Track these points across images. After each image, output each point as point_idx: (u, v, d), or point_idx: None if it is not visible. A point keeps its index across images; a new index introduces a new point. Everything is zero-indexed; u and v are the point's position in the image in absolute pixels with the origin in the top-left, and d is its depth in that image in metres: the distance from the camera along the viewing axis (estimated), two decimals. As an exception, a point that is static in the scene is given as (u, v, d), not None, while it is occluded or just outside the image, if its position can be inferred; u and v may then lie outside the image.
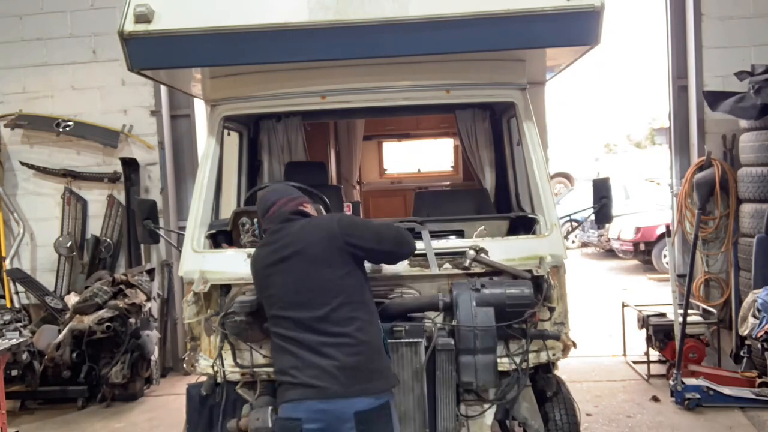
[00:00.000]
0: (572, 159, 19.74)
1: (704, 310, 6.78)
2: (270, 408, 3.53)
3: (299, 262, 3.04)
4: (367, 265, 3.68)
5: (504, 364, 3.61)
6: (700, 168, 6.98)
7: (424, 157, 9.75)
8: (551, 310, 3.69)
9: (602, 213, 4.19)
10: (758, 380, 5.85)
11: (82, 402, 6.52)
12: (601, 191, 4.19)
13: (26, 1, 7.57)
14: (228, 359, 3.67)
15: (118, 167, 7.55)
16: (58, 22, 7.57)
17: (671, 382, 5.93)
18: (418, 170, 9.70)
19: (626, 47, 16.70)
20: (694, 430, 5.37)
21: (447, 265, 3.68)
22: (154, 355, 7.00)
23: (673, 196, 7.47)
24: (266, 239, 3.24)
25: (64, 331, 6.37)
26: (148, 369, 6.92)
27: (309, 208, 3.31)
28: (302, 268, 3.04)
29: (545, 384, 3.84)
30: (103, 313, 6.43)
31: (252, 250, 3.58)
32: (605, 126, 22.20)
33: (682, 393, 5.74)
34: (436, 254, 3.72)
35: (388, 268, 3.67)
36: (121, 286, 6.74)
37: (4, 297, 7.34)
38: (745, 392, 5.73)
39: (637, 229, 13.76)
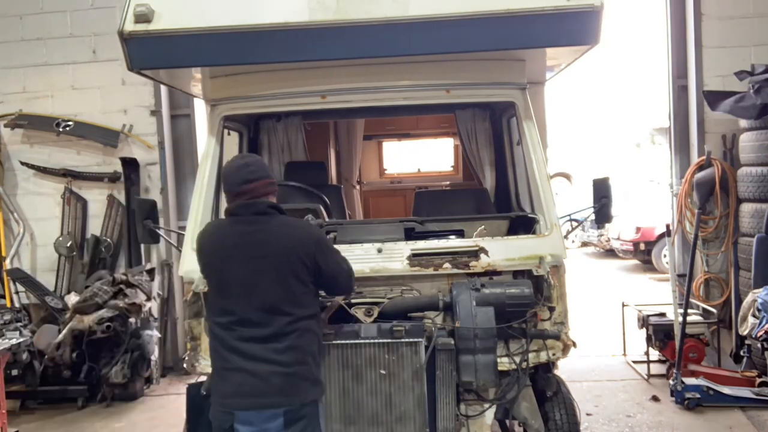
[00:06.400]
0: (572, 159, 19.73)
1: (704, 309, 6.79)
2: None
3: (267, 264, 2.94)
4: (367, 264, 3.70)
5: (504, 363, 3.61)
6: (700, 168, 6.98)
7: (424, 157, 9.73)
8: (551, 309, 3.69)
9: (602, 213, 4.20)
10: (758, 380, 5.85)
11: (82, 402, 6.52)
12: (601, 191, 4.19)
13: (26, 1, 7.57)
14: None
15: (118, 167, 7.55)
16: (58, 22, 7.57)
17: (671, 381, 5.93)
18: (418, 170, 9.70)
19: (626, 47, 16.66)
20: (694, 430, 5.37)
21: (447, 265, 3.68)
22: (154, 355, 7.00)
23: (673, 196, 7.47)
24: (234, 223, 3.06)
25: (64, 331, 6.37)
26: (148, 369, 6.91)
27: (275, 198, 3.16)
28: (267, 271, 2.93)
29: (545, 384, 3.84)
30: (103, 312, 6.43)
31: None
32: (605, 126, 22.15)
33: (682, 393, 5.74)
34: (437, 254, 3.72)
35: (387, 268, 3.68)
36: (121, 285, 6.74)
37: (4, 297, 7.34)
38: (745, 392, 5.73)
39: (637, 229, 13.76)
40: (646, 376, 6.64)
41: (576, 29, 3.50)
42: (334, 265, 3.11)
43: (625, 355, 7.37)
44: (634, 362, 7.09)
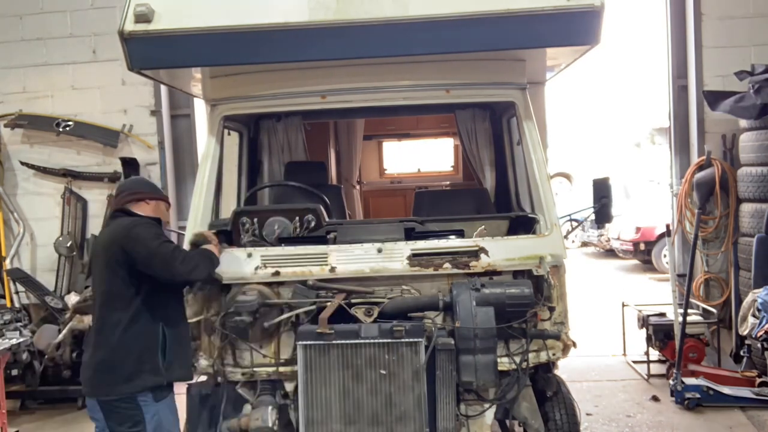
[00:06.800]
0: (572, 159, 19.75)
1: (704, 309, 6.78)
2: (270, 407, 3.55)
3: (96, 262, 3.35)
4: (367, 264, 3.69)
5: (504, 363, 3.62)
6: (700, 168, 6.98)
7: (424, 157, 9.73)
8: (551, 309, 3.69)
9: (602, 213, 4.19)
10: (758, 380, 5.85)
11: (82, 402, 6.49)
12: (601, 191, 4.19)
13: (26, 1, 7.56)
14: (228, 359, 3.67)
15: (118, 167, 7.54)
16: (58, 22, 7.57)
17: (671, 381, 5.94)
18: (418, 170, 9.69)
19: (626, 47, 16.68)
20: (694, 430, 5.37)
21: (447, 265, 3.68)
22: (154, 355, 6.99)
23: (673, 196, 7.47)
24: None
25: (65, 331, 6.37)
26: (148, 369, 6.90)
27: (141, 207, 3.42)
28: (98, 269, 3.34)
29: (545, 384, 3.84)
30: (103, 312, 6.43)
31: (252, 250, 3.62)
32: (605, 126, 22.18)
33: (682, 393, 5.74)
34: (437, 254, 3.72)
35: (387, 268, 3.68)
36: (121, 285, 6.73)
37: (4, 297, 7.33)
38: (745, 392, 5.74)
39: (637, 229, 13.76)
40: (646, 376, 6.64)
41: (576, 29, 3.50)
42: (146, 251, 3.20)
43: (625, 355, 7.37)
44: (634, 362, 7.09)
